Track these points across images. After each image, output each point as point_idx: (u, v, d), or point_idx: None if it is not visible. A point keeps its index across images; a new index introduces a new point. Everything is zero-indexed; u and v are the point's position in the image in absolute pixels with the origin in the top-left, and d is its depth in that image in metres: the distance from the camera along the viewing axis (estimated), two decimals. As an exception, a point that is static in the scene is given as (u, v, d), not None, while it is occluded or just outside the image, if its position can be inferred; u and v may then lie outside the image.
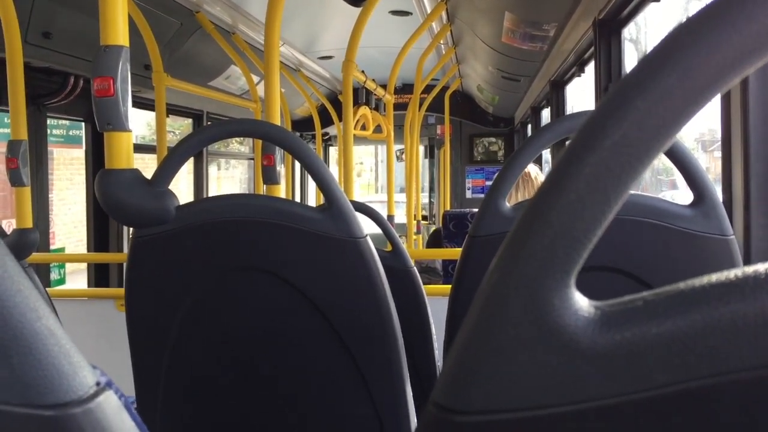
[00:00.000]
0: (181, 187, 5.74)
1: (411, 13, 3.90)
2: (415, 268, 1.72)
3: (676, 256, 1.08)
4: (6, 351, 0.29)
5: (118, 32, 1.12)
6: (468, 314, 0.28)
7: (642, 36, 2.56)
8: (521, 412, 0.27)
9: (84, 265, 4.02)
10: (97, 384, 0.31)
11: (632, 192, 1.07)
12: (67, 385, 0.30)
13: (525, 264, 0.26)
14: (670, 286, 0.26)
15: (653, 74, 0.25)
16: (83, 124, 3.80)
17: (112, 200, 1.12)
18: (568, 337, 0.26)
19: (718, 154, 1.40)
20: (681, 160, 1.07)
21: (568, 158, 0.26)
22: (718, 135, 1.40)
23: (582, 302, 0.27)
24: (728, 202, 1.32)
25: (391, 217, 3.82)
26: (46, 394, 0.29)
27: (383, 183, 14.07)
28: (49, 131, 3.47)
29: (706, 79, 0.24)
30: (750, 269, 0.25)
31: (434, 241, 3.85)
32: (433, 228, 7.31)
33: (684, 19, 0.25)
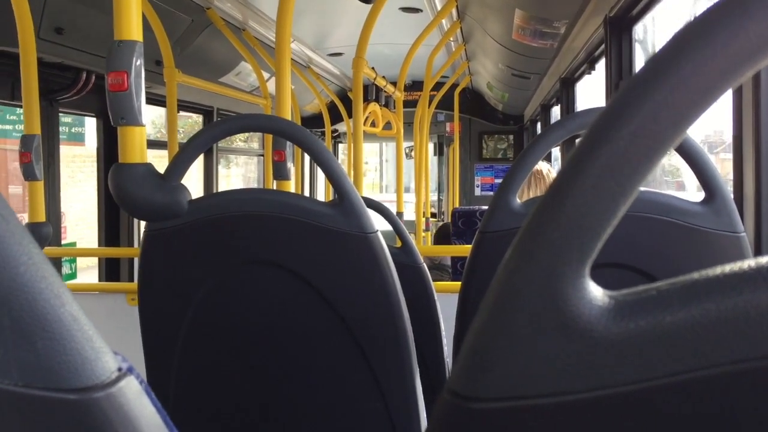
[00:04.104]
0: (190, 186, 5.75)
1: (421, 10, 3.90)
2: (424, 264, 1.72)
3: (686, 253, 1.08)
4: (31, 336, 0.29)
5: (132, 27, 1.12)
6: (483, 302, 0.29)
7: (650, 37, 2.55)
8: (536, 399, 0.27)
9: (91, 262, 4.04)
10: (119, 369, 0.31)
11: (642, 189, 1.07)
12: (90, 369, 0.30)
13: (540, 253, 0.27)
14: (683, 277, 0.27)
15: (669, 65, 0.25)
16: (86, 121, 3.82)
17: (125, 194, 1.13)
18: (583, 325, 0.26)
19: (724, 155, 1.40)
20: (692, 157, 1.07)
21: (584, 148, 0.26)
22: (725, 136, 1.40)
23: (596, 292, 0.27)
24: (739, 199, 1.32)
25: (400, 214, 3.82)
26: (69, 378, 0.30)
27: (387, 182, 14.02)
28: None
29: (721, 70, 0.25)
30: (763, 260, 0.26)
31: (441, 235, 3.85)
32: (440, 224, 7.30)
33: (698, 12, 0.26)
